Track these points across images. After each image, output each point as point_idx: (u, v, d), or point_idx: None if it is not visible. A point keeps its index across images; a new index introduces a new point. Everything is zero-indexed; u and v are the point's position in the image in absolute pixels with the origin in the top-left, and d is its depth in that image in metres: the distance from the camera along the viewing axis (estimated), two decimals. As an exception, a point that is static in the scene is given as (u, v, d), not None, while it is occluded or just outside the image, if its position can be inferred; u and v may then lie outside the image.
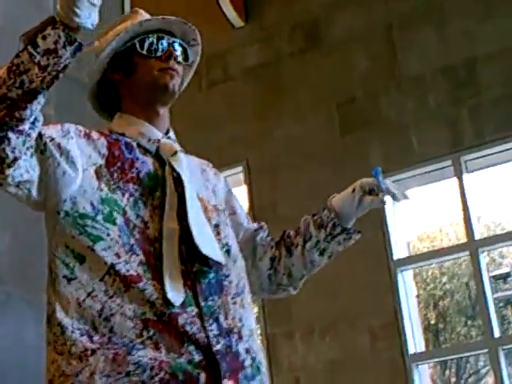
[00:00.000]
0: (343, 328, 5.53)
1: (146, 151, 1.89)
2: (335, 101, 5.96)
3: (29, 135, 1.63)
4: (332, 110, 5.96)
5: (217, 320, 1.75)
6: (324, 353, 5.56)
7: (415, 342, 5.39)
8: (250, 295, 1.92)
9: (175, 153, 1.90)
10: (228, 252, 1.89)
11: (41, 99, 1.62)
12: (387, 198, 2.02)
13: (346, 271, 5.16)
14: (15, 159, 1.62)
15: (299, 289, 2.13)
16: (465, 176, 5.50)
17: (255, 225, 2.13)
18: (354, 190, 2.04)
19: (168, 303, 1.70)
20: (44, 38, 1.57)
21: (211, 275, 1.79)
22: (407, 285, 5.56)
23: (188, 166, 1.91)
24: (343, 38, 6.06)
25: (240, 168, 6.11)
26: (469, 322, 19.74)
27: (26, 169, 1.67)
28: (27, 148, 1.64)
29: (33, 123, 1.64)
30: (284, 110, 6.13)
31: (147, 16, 1.99)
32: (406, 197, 2.02)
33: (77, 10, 1.56)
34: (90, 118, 3.16)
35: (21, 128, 1.61)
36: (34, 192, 1.72)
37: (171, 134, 1.97)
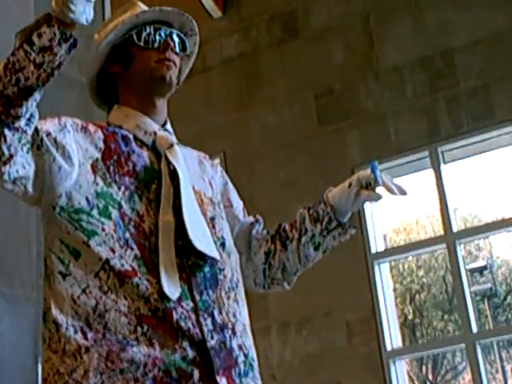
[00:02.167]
0: (320, 322, 5.52)
1: (142, 144, 1.88)
2: (313, 91, 5.96)
3: (25, 132, 1.64)
4: (310, 101, 5.96)
5: (211, 315, 1.74)
6: (301, 348, 5.55)
7: (392, 337, 5.39)
8: (243, 290, 1.91)
9: (171, 145, 1.89)
10: (223, 246, 1.88)
11: (36, 96, 1.62)
12: (384, 192, 1.99)
13: (322, 265, 5.13)
14: (11, 156, 1.62)
15: (293, 284, 2.11)
16: (442, 167, 5.51)
17: (251, 218, 2.11)
18: (350, 184, 2.00)
19: (163, 297, 1.69)
20: (39, 35, 1.57)
21: (206, 269, 1.78)
22: (384, 278, 5.56)
23: (185, 159, 1.91)
24: (321, 28, 6.07)
25: (217, 160, 6.08)
26: (445, 317, 19.87)
27: (23, 165, 1.66)
28: (23, 144, 1.64)
29: (29, 119, 1.64)
30: (262, 101, 6.13)
31: (145, 8, 1.99)
32: (403, 191, 1.99)
33: (71, 6, 1.56)
34: (71, 109, 3.13)
35: (17, 125, 1.61)
36: (30, 188, 1.71)
37: (168, 125, 1.97)
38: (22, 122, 1.62)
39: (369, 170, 1.98)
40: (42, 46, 1.57)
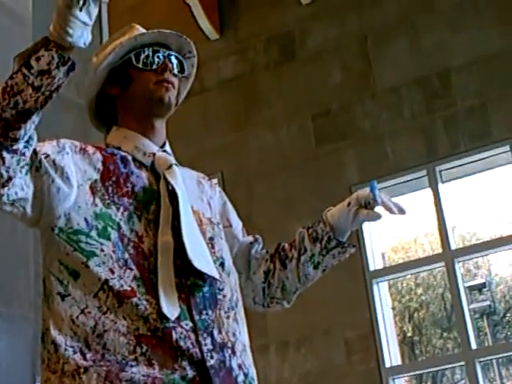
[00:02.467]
0: (319, 341, 5.51)
1: (141, 165, 1.89)
2: (310, 112, 5.99)
3: (23, 154, 1.64)
4: (307, 122, 5.99)
5: (211, 334, 1.74)
6: (299, 366, 5.54)
7: (391, 354, 5.38)
8: (243, 309, 1.91)
9: (170, 166, 1.90)
10: (222, 265, 1.88)
11: (35, 118, 1.63)
12: (382, 211, 1.99)
13: (321, 283, 5.12)
14: (10, 179, 1.63)
15: (292, 302, 2.11)
16: (440, 186, 5.53)
17: (250, 238, 2.11)
18: (349, 204, 2.01)
19: (162, 317, 1.68)
20: (38, 59, 1.58)
21: (205, 289, 1.78)
22: (382, 296, 5.56)
23: (183, 179, 1.91)
24: (318, 50, 6.10)
25: (215, 180, 6.10)
26: (444, 334, 19.78)
27: (21, 186, 1.67)
28: (22, 166, 1.65)
29: (27, 142, 1.65)
30: (259, 122, 6.15)
31: (143, 30, 2.00)
32: (402, 210, 1.99)
33: (69, 30, 1.57)
34: (68, 130, 3.14)
35: (15, 147, 1.62)
36: (29, 209, 1.71)
37: (167, 146, 1.98)
38: (20, 145, 1.62)
39: (368, 190, 1.98)
40: (40, 69, 1.58)
